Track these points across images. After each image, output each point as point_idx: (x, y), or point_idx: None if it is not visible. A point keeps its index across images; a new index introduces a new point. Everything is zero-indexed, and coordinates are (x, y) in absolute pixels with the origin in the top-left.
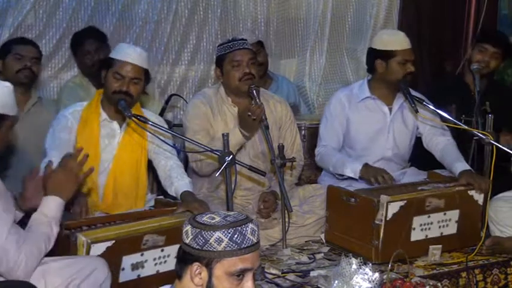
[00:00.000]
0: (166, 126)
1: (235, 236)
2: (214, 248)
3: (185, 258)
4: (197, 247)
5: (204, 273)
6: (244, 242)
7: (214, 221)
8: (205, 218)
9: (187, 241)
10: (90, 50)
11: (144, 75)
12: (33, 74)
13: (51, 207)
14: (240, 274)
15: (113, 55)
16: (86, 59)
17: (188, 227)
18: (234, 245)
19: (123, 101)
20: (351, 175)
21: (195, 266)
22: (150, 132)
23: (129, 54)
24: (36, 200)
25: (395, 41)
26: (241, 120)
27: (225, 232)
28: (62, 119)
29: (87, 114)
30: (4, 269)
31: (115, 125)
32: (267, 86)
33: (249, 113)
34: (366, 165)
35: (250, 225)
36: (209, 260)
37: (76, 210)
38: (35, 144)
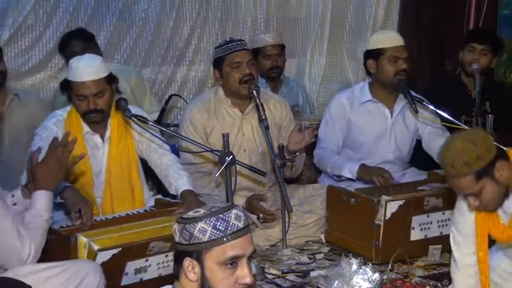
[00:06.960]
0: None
1: (218, 223)
2: (200, 240)
3: (178, 257)
4: (185, 242)
5: (197, 268)
6: (229, 228)
7: (197, 214)
8: (190, 213)
9: (176, 239)
10: (77, 50)
11: (107, 82)
12: (0, 73)
13: (42, 203)
14: (233, 262)
15: (69, 76)
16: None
17: (175, 226)
18: (218, 232)
19: (123, 101)
20: (349, 176)
21: (187, 261)
22: (142, 128)
23: (82, 73)
24: None
25: (384, 38)
26: (249, 204)
27: (207, 221)
28: (46, 130)
29: (70, 127)
30: (15, 263)
31: (97, 138)
32: (277, 89)
33: (261, 215)
34: (363, 166)
35: (234, 210)
36: (198, 253)
37: (83, 221)
38: (17, 141)
